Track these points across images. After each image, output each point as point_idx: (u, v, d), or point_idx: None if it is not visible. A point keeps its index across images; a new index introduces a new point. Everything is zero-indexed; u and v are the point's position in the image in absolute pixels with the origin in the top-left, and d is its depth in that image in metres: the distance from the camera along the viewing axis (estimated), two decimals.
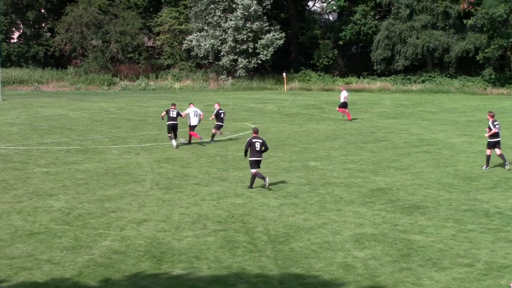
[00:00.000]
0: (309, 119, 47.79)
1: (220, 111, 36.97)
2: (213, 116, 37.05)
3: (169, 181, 26.30)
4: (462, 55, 73.53)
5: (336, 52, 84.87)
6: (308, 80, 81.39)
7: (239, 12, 76.85)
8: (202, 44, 79.38)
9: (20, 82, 78.47)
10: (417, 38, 75.24)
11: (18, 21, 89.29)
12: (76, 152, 32.51)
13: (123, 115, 48.90)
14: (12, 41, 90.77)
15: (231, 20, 77.56)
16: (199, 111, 36.30)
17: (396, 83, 76.61)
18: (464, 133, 40.36)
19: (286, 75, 78.63)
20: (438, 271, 16.33)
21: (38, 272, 16.02)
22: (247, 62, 78.93)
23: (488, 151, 29.07)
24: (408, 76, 77.88)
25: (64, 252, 17.43)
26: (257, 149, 25.32)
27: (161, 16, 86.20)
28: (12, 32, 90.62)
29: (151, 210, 21.74)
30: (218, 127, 36.60)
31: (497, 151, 28.94)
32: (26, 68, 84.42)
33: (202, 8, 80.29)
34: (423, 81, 76.21)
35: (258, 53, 78.54)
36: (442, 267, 16.64)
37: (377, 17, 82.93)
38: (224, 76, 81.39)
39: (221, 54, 79.58)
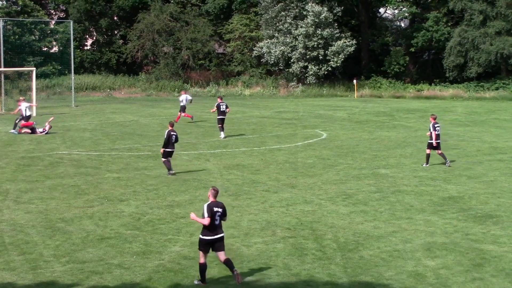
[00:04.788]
0: (379, 126, 47.40)
1: (221, 104, 40.61)
2: (214, 109, 41.06)
3: (238, 188, 26.32)
4: None
5: (407, 59, 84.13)
6: (379, 87, 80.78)
7: (309, 19, 76.74)
8: (272, 51, 79.49)
9: (93, 88, 79.68)
10: (491, 44, 73.97)
11: (91, 29, 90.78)
12: (146, 158, 32.80)
13: (194, 121, 49.18)
14: (86, 48, 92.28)
15: (301, 27, 77.50)
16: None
17: (469, 90, 75.47)
18: None
19: (356, 82, 78.22)
20: None
21: (109, 277, 16.15)
22: (317, 69, 78.76)
23: (428, 150, 31.23)
24: (481, 83, 76.68)
25: (134, 257, 17.55)
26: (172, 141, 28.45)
27: (231, 23, 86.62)
28: (86, 39, 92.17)
29: None
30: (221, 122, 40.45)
31: (438, 151, 31.11)
32: (98, 74, 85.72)
33: (273, 15, 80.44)
34: (496, 88, 74.96)
35: (329, 60, 78.28)
36: None
37: (449, 24, 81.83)
38: (294, 83, 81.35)
39: (291, 61, 79.56)
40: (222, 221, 15.94)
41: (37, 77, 61.48)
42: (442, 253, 18.06)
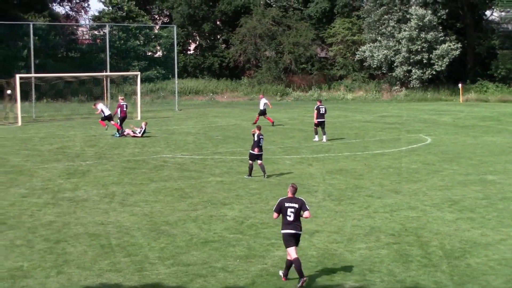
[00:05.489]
0: (485, 131, 46.38)
1: (321, 107, 40.89)
2: (316, 112, 40.77)
3: (342, 193, 26.11)
4: None
5: None
6: (485, 91, 79.00)
7: (413, 23, 75.82)
8: (375, 54, 78.95)
9: (196, 92, 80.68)
10: None
11: (194, 33, 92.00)
12: (246, 162, 32.89)
13: (295, 125, 49.19)
14: (189, 52, 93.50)
15: (405, 30, 76.67)
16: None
17: None
18: None
19: (461, 86, 76.75)
20: None
21: (213, 280, 16.21)
22: (421, 73, 77.73)
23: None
24: None
25: (238, 260, 17.57)
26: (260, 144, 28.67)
27: (334, 27, 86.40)
28: (189, 44, 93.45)
29: (323, 221, 21.62)
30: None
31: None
32: (201, 78, 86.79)
33: (376, 19, 79.89)
34: None
35: (433, 64, 77.14)
36: None
37: None
38: (397, 87, 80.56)
39: (395, 64, 78.81)
40: (305, 217, 16.01)
41: (141, 81, 62.60)
42: None
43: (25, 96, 56.47)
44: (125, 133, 42.70)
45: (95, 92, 67.42)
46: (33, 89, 58.30)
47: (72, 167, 31.51)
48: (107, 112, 43.99)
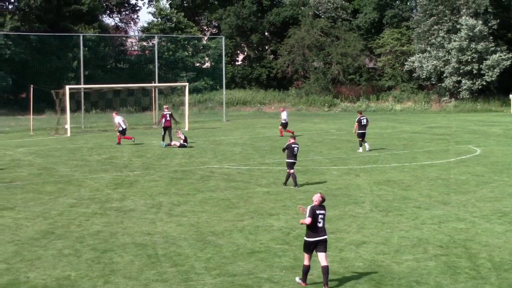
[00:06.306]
0: None
1: (362, 118, 40.56)
2: (356, 125, 40.73)
3: (389, 204, 25.90)
4: None
5: None
6: None
7: (463, 33, 75.13)
8: (424, 65, 78.36)
9: (243, 103, 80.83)
10: None
11: (242, 44, 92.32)
12: (296, 173, 32.78)
13: (343, 136, 48.98)
14: (237, 63, 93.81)
15: (455, 41, 75.98)
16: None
17: None
18: None
19: None
20: None
21: None
22: (471, 83, 76.94)
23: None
24: None
25: (284, 271, 17.50)
26: (294, 152, 29.06)
27: (382, 37, 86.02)
28: (237, 54, 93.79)
29: (370, 232, 21.46)
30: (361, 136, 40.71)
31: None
32: (249, 89, 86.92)
33: (425, 29, 79.36)
34: None
35: (483, 74, 76.30)
36: None
37: None
38: (446, 98, 79.85)
39: (444, 75, 78.09)
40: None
41: (189, 92, 62.88)
42: None
43: (74, 107, 57.12)
44: (171, 144, 42.87)
45: (144, 102, 68.03)
46: (82, 100, 58.94)
47: (120, 177, 31.72)
48: (123, 125, 44.34)
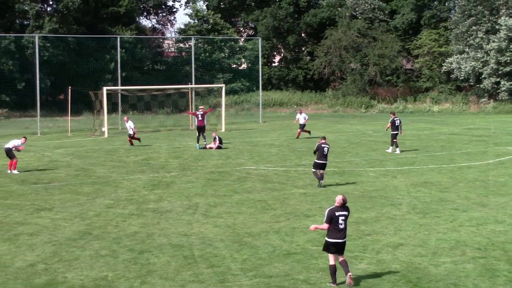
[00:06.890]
0: None
1: (395, 119, 40.55)
2: (389, 125, 40.97)
3: (426, 205, 25.71)
4: None
5: None
6: None
7: (502, 33, 74.37)
8: (462, 66, 77.74)
9: (280, 104, 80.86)
10: None
11: (279, 45, 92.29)
12: (332, 174, 32.70)
13: (380, 137, 48.72)
14: (273, 64, 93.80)
15: (493, 41, 75.26)
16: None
17: None
18: None
19: None
20: None
21: None
22: (510, 84, 76.15)
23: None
24: None
25: (320, 273, 17.43)
26: (324, 153, 29.10)
27: (420, 38, 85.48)
28: (273, 56, 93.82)
29: (407, 234, 21.31)
30: (394, 137, 40.41)
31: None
32: (285, 91, 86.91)
33: (464, 30, 78.72)
34: None
35: None
36: None
37: None
38: (485, 99, 79.13)
39: (483, 76, 77.40)
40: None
41: (226, 93, 63.00)
42: None
43: (112, 109, 57.46)
44: (207, 147, 42.93)
45: (181, 104, 68.32)
46: (120, 102, 59.28)
47: (157, 179, 31.85)
48: (130, 131, 44.49)
